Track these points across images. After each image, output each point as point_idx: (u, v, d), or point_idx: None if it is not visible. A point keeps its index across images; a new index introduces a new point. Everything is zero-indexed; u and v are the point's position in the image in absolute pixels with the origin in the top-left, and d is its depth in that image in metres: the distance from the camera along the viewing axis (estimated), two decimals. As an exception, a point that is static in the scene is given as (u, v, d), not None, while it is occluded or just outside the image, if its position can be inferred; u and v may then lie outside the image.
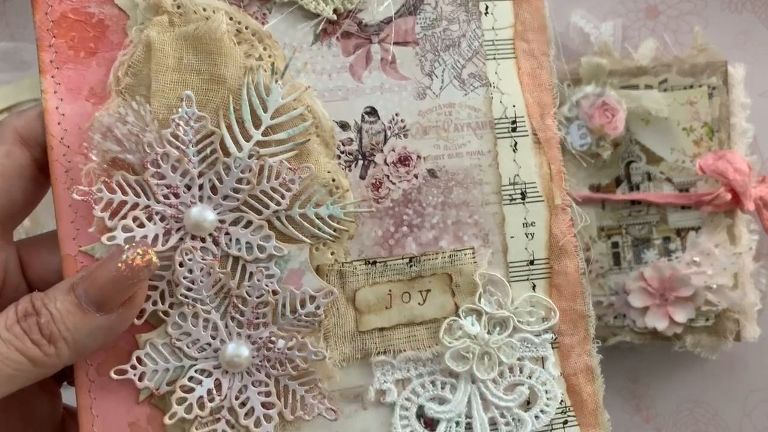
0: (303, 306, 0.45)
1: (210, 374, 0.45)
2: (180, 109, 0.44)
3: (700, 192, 0.62)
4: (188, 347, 0.45)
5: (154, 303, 0.45)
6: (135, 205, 0.44)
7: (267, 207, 0.45)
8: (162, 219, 0.44)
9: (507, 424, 0.48)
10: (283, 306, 0.45)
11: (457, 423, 0.48)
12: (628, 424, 0.68)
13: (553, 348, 0.50)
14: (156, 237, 0.44)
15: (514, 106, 0.50)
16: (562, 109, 0.63)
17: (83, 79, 0.45)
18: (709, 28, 0.66)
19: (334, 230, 0.47)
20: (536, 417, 0.49)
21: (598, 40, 0.64)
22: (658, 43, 0.64)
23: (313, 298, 0.46)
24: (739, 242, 0.62)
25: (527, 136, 0.50)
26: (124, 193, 0.44)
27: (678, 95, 0.62)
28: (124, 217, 0.44)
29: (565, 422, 0.49)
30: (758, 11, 0.66)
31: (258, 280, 0.45)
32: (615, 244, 0.63)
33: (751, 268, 0.63)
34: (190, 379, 0.45)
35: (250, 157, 0.45)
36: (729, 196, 0.61)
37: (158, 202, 0.44)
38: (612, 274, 0.63)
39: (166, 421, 0.44)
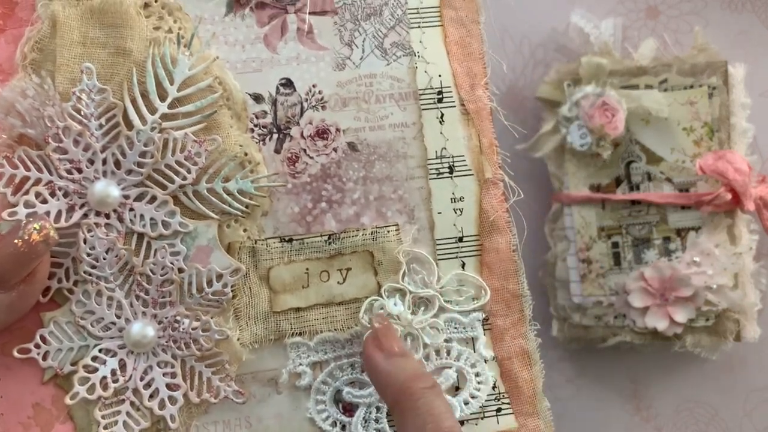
0: (210, 284, 0.44)
1: (114, 354, 0.44)
2: (81, 82, 0.43)
3: (700, 192, 0.61)
4: (92, 326, 0.43)
5: (59, 281, 0.44)
6: (38, 181, 0.43)
7: (172, 181, 0.44)
8: (65, 195, 0.43)
9: (433, 410, 0.45)
10: (189, 284, 0.44)
11: (378, 408, 0.45)
12: (628, 424, 0.66)
13: (484, 329, 0.47)
14: (59, 213, 0.43)
15: (440, 75, 0.48)
16: (562, 109, 0.62)
17: (-8, 56, 0.45)
18: (709, 28, 0.65)
19: (246, 206, 0.45)
20: (465, 402, 0.46)
21: (598, 40, 0.63)
22: (658, 43, 0.63)
23: (220, 277, 0.44)
24: (739, 242, 0.61)
25: (455, 107, 0.48)
26: (27, 168, 0.43)
27: (678, 95, 0.61)
28: (26, 192, 0.43)
29: (499, 410, 0.46)
30: (758, 11, 0.65)
31: (162, 258, 0.43)
32: (615, 244, 0.62)
33: (752, 268, 0.61)
34: (94, 358, 0.43)
35: (153, 129, 0.43)
36: (729, 196, 0.59)
37: (61, 177, 0.43)
38: (612, 274, 0.62)
39: (68, 401, 0.43)
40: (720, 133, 0.61)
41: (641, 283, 0.61)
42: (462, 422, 0.46)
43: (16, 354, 0.43)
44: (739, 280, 0.60)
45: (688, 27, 0.65)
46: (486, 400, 0.46)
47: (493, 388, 0.46)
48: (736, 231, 0.61)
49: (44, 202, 0.43)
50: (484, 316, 0.47)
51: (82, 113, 0.43)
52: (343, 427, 0.45)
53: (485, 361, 0.46)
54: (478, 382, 0.46)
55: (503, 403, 0.46)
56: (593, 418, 0.66)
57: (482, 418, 0.46)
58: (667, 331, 0.60)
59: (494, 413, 0.46)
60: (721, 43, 0.63)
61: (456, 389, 0.46)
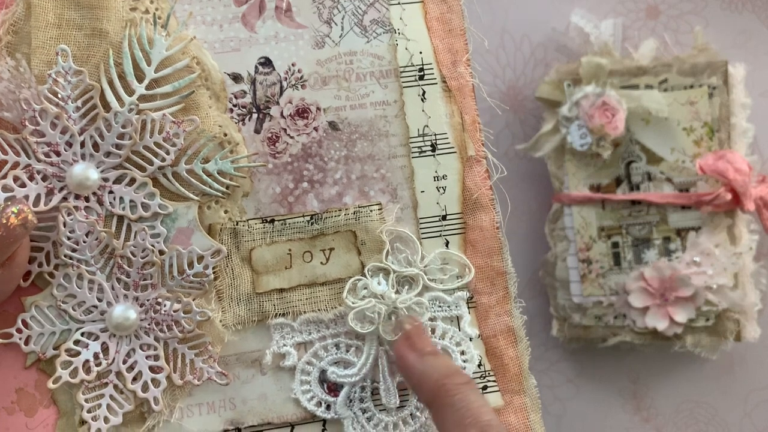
0: (191, 266, 0.43)
1: (97, 337, 0.43)
2: (56, 65, 0.43)
3: (700, 192, 0.61)
4: (74, 310, 0.43)
5: (40, 265, 0.43)
6: (15, 165, 0.43)
7: (151, 163, 0.44)
8: (44, 178, 0.43)
9: (418, 389, 0.45)
10: (170, 266, 0.43)
11: (363, 388, 0.45)
12: (628, 424, 0.67)
13: (469, 308, 0.46)
14: (38, 197, 0.43)
15: (421, 53, 0.47)
16: (562, 109, 0.62)
17: (-33, 39, 0.44)
18: (709, 28, 0.65)
19: (226, 187, 0.45)
20: (450, 381, 0.45)
21: (598, 40, 0.63)
22: (658, 43, 0.63)
23: (201, 258, 0.44)
24: (740, 242, 0.61)
25: (436, 84, 0.47)
26: (4, 152, 0.43)
27: (678, 95, 0.61)
28: (4, 176, 0.43)
29: (485, 387, 0.46)
30: (758, 11, 0.65)
31: (142, 240, 0.43)
32: (615, 244, 0.62)
33: (752, 268, 0.62)
34: (76, 342, 0.43)
35: (130, 111, 0.43)
36: (729, 196, 0.60)
37: (39, 160, 0.43)
38: (612, 274, 0.62)
39: (50, 385, 0.42)
40: (720, 133, 0.61)
41: (641, 283, 0.61)
42: (448, 401, 0.46)
43: (-3, 339, 0.43)
44: (739, 280, 0.61)
45: (689, 27, 0.65)
46: (472, 379, 0.46)
47: (479, 366, 0.46)
48: (736, 231, 0.61)
49: (22, 186, 0.43)
50: (468, 294, 0.46)
51: (58, 96, 0.43)
52: (328, 406, 0.45)
53: (470, 340, 0.46)
54: (464, 361, 0.46)
55: (489, 381, 0.46)
56: (593, 418, 0.66)
57: (468, 396, 0.46)
58: (667, 331, 0.61)
59: (480, 391, 0.46)
60: (721, 43, 0.64)
61: (441, 368, 0.46)
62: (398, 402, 0.45)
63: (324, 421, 0.45)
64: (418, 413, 0.45)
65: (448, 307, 0.46)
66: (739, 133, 0.61)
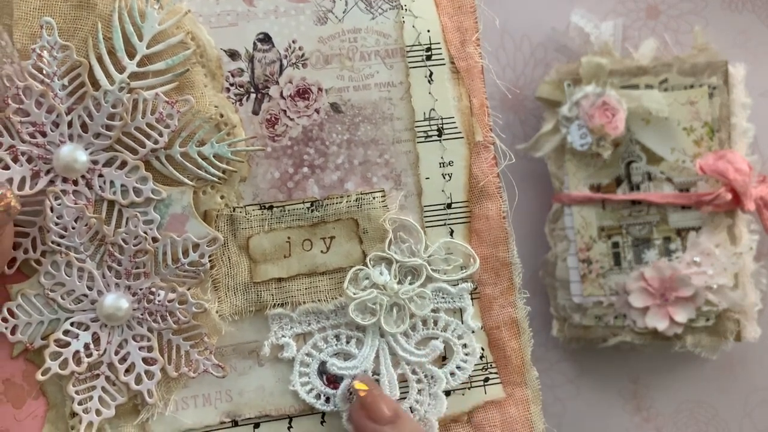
0: (186, 255, 0.42)
1: (87, 327, 0.42)
2: (41, 39, 0.40)
3: (700, 192, 0.60)
4: (63, 298, 0.41)
5: (26, 251, 0.41)
6: (-2, 145, 0.40)
7: (143, 145, 0.41)
8: (29, 160, 0.41)
9: (419, 381, 0.44)
10: (164, 254, 0.41)
11: (363, 380, 0.44)
12: (628, 424, 0.67)
13: (472, 299, 0.45)
14: (23, 180, 0.40)
15: (428, 31, 0.45)
16: (562, 109, 0.61)
17: (-57, 8, 0.41)
18: (709, 27, 0.65)
19: (222, 171, 0.42)
20: (452, 374, 0.44)
21: (599, 40, 0.62)
22: (658, 43, 0.63)
23: (196, 246, 0.42)
24: (740, 242, 0.61)
25: (444, 64, 0.45)
26: (-15, 132, 0.40)
27: (678, 95, 0.61)
28: (-14, 158, 0.40)
29: (486, 379, 0.45)
30: (758, 11, 0.64)
31: (134, 226, 0.41)
32: (615, 244, 0.62)
33: (752, 268, 0.62)
34: (66, 332, 0.41)
35: (121, 90, 0.40)
36: (729, 196, 0.59)
37: (24, 141, 0.40)
38: (612, 274, 0.62)
39: (39, 377, 0.41)
40: (720, 132, 0.60)
41: (641, 283, 0.61)
42: (448, 393, 0.45)
43: (-18, 328, 0.41)
44: (740, 280, 0.60)
45: (689, 27, 0.64)
46: (473, 370, 0.45)
47: (481, 358, 0.45)
48: (737, 231, 0.61)
49: (6, 168, 0.40)
50: (473, 286, 0.45)
51: (44, 72, 0.40)
52: (327, 399, 0.44)
53: (473, 332, 0.45)
54: (465, 354, 0.45)
55: (491, 373, 0.45)
56: (593, 418, 0.67)
57: (469, 389, 0.45)
58: (667, 331, 0.61)
59: (482, 383, 0.45)
60: (721, 43, 0.63)
61: (443, 359, 0.45)
62: (399, 394, 0.44)
63: (323, 413, 0.44)
64: (417, 406, 0.44)
65: (452, 298, 0.45)
66: (739, 133, 0.61)
